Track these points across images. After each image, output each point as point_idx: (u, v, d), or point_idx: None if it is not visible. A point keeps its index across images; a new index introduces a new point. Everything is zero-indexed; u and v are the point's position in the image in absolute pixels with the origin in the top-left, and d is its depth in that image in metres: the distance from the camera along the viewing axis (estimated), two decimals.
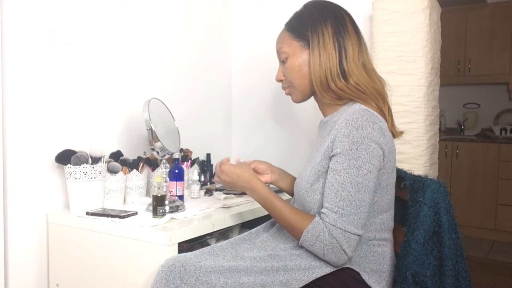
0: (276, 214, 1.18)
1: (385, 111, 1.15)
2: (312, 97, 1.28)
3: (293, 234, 1.14)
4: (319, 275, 1.08)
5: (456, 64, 4.18)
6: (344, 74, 1.15)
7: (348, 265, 1.11)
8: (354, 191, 1.05)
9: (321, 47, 1.16)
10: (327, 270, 1.09)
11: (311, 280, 1.08)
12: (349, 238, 1.05)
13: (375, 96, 1.15)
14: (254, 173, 1.29)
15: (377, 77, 1.21)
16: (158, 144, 1.41)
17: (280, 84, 1.31)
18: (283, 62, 1.26)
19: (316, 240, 1.07)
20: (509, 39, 3.95)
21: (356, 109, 1.10)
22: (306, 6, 1.25)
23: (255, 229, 1.35)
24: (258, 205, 1.58)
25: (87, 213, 1.42)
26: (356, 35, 1.19)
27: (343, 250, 1.06)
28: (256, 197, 1.24)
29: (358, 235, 1.06)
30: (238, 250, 1.22)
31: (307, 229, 1.09)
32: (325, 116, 1.26)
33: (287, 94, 1.30)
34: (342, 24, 1.18)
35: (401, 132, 1.23)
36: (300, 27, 1.21)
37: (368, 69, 1.19)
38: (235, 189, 1.35)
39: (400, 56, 1.69)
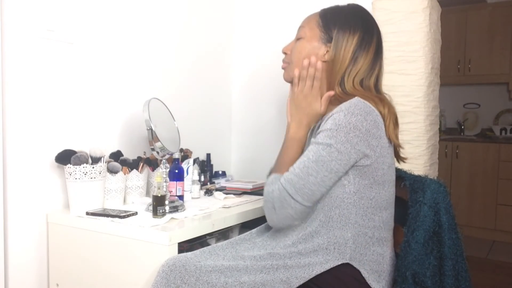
0: (281, 153, 1.22)
1: (384, 114, 1.14)
2: None
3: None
4: (319, 272, 1.08)
5: (456, 64, 4.18)
6: (342, 83, 1.18)
7: (348, 261, 1.10)
8: (313, 160, 1.07)
9: (340, 50, 1.18)
10: (327, 266, 1.09)
11: (311, 277, 1.08)
12: (284, 197, 1.09)
13: (373, 100, 1.15)
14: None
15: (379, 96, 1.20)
16: (158, 144, 1.41)
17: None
18: (297, 39, 1.26)
19: (268, 184, 1.15)
20: (509, 39, 3.95)
21: (353, 100, 1.11)
22: (348, 6, 1.25)
23: (255, 229, 1.35)
24: (258, 205, 1.59)
25: (87, 213, 1.42)
26: (373, 58, 1.19)
27: (274, 208, 1.10)
28: (291, 132, 1.22)
29: (294, 200, 1.08)
30: (238, 249, 1.23)
31: (274, 175, 1.17)
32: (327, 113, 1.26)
33: (283, 68, 1.30)
34: (368, 41, 1.19)
35: (404, 159, 1.22)
36: (331, 22, 1.21)
37: (372, 92, 1.19)
38: (299, 103, 1.22)
39: (400, 56, 1.69)
